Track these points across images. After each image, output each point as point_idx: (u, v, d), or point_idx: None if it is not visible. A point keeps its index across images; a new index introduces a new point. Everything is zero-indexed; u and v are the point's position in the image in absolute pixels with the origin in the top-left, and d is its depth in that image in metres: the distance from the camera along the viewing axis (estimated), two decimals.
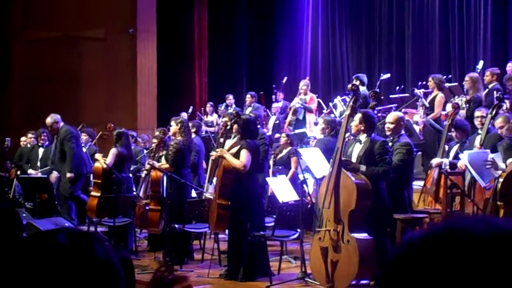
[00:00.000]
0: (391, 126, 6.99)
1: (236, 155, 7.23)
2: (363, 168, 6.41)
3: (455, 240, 0.95)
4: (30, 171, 10.62)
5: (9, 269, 1.11)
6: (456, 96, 9.86)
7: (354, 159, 6.56)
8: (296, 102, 12.10)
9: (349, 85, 7.21)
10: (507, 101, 9.02)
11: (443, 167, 7.25)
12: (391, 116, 7.21)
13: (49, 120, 9.80)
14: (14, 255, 1.13)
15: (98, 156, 9.36)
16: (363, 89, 10.34)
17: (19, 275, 1.10)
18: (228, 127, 7.65)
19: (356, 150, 6.63)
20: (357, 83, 10.59)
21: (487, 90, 9.43)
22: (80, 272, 1.10)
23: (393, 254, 0.99)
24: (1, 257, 1.13)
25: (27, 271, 1.09)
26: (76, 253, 1.12)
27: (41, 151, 10.92)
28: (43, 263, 1.10)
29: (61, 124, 9.85)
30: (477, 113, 7.68)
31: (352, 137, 8.01)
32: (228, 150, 7.50)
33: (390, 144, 6.80)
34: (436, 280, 0.93)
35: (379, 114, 9.26)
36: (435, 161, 7.44)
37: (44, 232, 1.20)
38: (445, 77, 10.63)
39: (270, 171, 9.35)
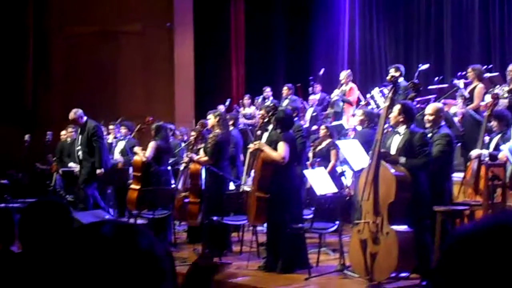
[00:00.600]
0: (431, 117, 6.90)
1: (273, 148, 7.23)
2: (402, 160, 6.36)
3: (507, 234, 0.94)
4: (70, 164, 10.78)
5: (57, 262, 1.14)
6: (498, 86, 9.69)
7: (393, 151, 6.50)
8: (335, 95, 12.07)
9: (388, 76, 7.15)
10: None
11: (482, 158, 7.14)
12: (431, 108, 7.11)
13: (72, 115, 9.87)
14: (61, 248, 1.15)
15: (137, 149, 9.46)
16: (401, 80, 10.26)
17: (66, 267, 1.12)
18: (266, 120, 7.64)
19: (395, 142, 6.57)
20: (397, 74, 10.50)
21: None
22: (125, 263, 1.12)
23: (445, 247, 1.00)
24: (51, 250, 1.16)
25: (73, 264, 1.12)
26: (120, 244, 1.14)
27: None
28: (88, 255, 1.12)
29: (85, 118, 9.94)
30: None
31: (390, 129, 7.95)
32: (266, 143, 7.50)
33: (429, 135, 6.72)
34: (488, 274, 0.93)
35: (418, 105, 9.16)
36: (474, 152, 7.34)
37: (89, 224, 1.22)
38: (485, 67, 10.45)
39: (308, 163, 9.33)
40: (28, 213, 2.62)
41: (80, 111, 9.93)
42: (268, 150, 7.22)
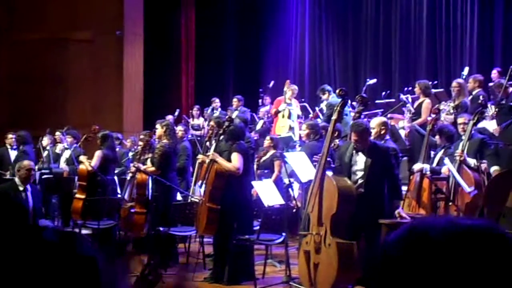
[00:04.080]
0: (374, 131, 7.01)
1: (227, 159, 7.23)
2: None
3: (414, 242, 1.02)
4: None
5: None
6: (443, 102, 9.91)
7: (360, 167, 6.46)
8: (284, 107, 12.14)
9: (338, 90, 7.21)
10: (492, 107, 9.09)
11: (424, 172, 7.28)
12: (375, 122, 7.24)
13: None
14: (3, 251, 1.14)
15: (83, 158, 9.32)
16: (332, 98, 10.64)
17: (5, 271, 1.10)
18: (220, 132, 7.61)
19: (361, 157, 6.53)
20: (325, 96, 10.86)
21: (471, 96, 9.49)
22: (64, 267, 1.12)
23: (373, 258, 1.06)
24: None
25: (13, 267, 1.10)
26: (61, 249, 1.14)
27: (13, 154, 10.86)
28: (29, 259, 1.11)
29: None
30: (460, 119, 7.71)
31: (338, 143, 8.00)
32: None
33: None
34: (402, 281, 0.99)
35: (366, 119, 9.29)
36: (416, 166, 7.47)
37: (31, 227, 1.21)
38: (431, 83, 10.67)
39: (255, 174, 9.34)
40: None
41: None
42: (221, 161, 7.20)
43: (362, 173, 6.43)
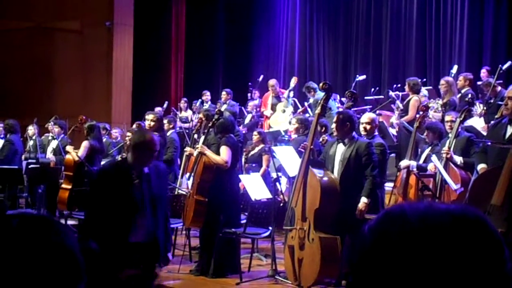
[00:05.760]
0: (368, 126, 7.02)
1: (216, 152, 7.21)
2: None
3: (390, 229, 1.00)
4: None
5: None
6: (432, 99, 9.93)
7: (337, 161, 6.47)
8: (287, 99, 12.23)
9: (321, 84, 7.19)
10: (480, 105, 9.13)
11: (410, 168, 7.29)
12: (367, 117, 7.23)
13: None
14: None
15: (69, 148, 9.28)
16: (318, 94, 10.66)
17: None
18: (210, 124, 7.58)
19: (340, 151, 6.54)
20: (311, 93, 10.90)
21: (460, 94, 9.52)
22: (32, 254, 1.09)
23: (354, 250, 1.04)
24: None
25: None
26: (27, 235, 1.11)
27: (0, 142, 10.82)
28: None
29: None
30: (447, 117, 7.72)
31: (326, 138, 8.00)
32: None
33: None
34: (379, 270, 0.98)
35: None
36: (403, 163, 7.48)
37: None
38: (420, 80, 10.70)
39: (243, 168, 9.34)
40: None
41: None
42: (210, 154, 7.18)
43: (341, 163, 6.45)
